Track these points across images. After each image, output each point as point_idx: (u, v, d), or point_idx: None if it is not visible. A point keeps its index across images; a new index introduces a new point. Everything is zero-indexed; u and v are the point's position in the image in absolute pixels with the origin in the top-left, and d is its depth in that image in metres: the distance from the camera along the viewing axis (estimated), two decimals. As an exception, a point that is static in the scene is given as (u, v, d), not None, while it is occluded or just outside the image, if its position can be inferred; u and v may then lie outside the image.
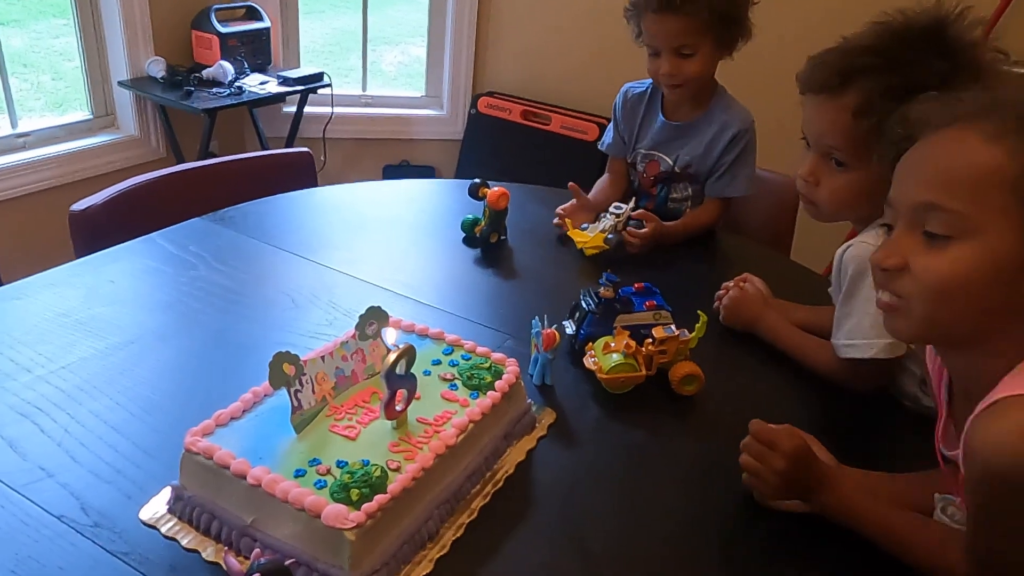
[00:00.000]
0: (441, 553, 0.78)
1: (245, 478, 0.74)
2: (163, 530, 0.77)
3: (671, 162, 1.59)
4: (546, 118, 3.04)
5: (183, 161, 2.79)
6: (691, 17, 1.42)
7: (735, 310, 1.22)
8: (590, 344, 1.09)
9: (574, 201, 1.53)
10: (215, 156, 2.78)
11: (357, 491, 0.72)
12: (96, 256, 1.28)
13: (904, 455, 0.99)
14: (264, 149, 2.95)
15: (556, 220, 1.51)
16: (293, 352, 0.83)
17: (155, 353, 1.06)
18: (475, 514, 0.83)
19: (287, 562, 0.67)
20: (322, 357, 0.86)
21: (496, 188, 1.42)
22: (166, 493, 0.81)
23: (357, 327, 0.90)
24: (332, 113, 2.98)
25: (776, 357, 1.17)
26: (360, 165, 3.21)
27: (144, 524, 0.78)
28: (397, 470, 0.77)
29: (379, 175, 3.29)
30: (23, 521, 0.78)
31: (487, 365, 0.93)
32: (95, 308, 1.15)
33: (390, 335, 0.84)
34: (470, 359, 0.95)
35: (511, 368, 0.94)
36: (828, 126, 1.05)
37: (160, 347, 1.08)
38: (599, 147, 1.73)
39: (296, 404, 0.81)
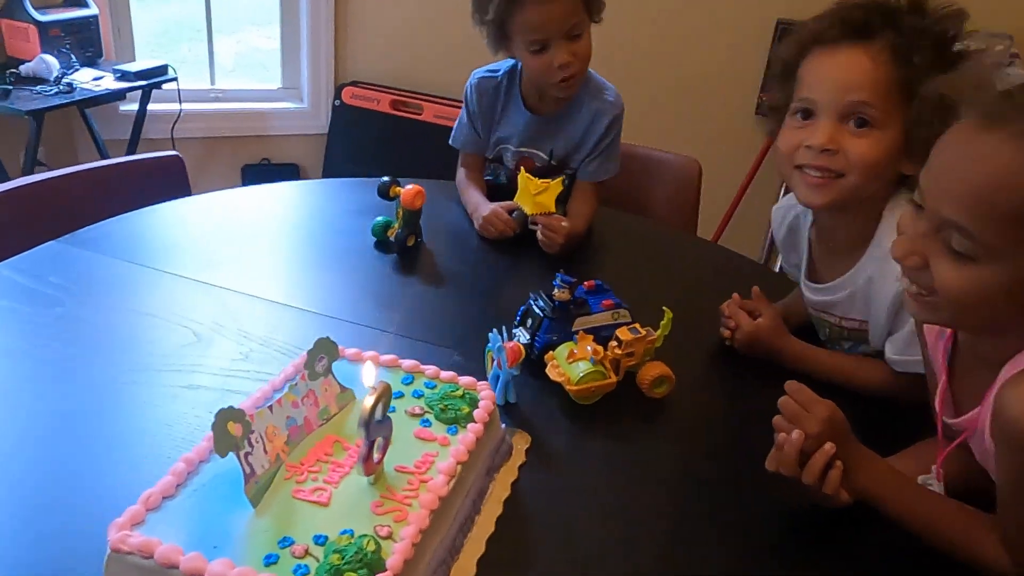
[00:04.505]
0: (449, 626, 0.66)
1: (202, 578, 0.58)
2: (90, 656, 0.60)
3: (546, 157, 1.50)
4: (417, 107, 2.90)
5: (3, 172, 2.40)
6: None
7: (751, 345, 1.09)
8: (550, 353, 1.00)
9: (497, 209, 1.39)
10: (44, 166, 2.43)
11: (353, 575, 0.58)
12: (-75, 299, 1.03)
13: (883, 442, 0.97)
14: (102, 155, 2.60)
15: (494, 229, 1.37)
16: (230, 405, 0.67)
17: (25, 417, 0.85)
18: (475, 569, 0.71)
19: None
20: (270, 408, 0.70)
21: (410, 186, 1.29)
22: (85, 605, 0.63)
23: (306, 365, 0.75)
24: (180, 110, 2.67)
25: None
26: (216, 167, 2.92)
27: (61, 652, 0.61)
28: (389, 537, 0.64)
29: (238, 176, 3.01)
30: None
31: (459, 393, 0.81)
32: (-64, 367, 0.91)
33: (368, 374, 0.70)
34: (435, 387, 0.83)
35: (485, 393, 0.82)
36: (861, 76, 0.94)
37: (32, 407, 0.87)
38: (450, 142, 1.59)
39: (248, 470, 0.66)
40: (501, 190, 1.51)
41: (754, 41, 2.46)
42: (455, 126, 1.58)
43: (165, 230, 1.31)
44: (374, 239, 1.33)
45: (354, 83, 2.95)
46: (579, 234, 1.38)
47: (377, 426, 0.68)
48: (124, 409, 0.88)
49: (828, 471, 0.78)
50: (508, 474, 0.84)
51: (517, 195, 1.28)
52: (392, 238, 1.31)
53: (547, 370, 0.98)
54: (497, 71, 1.52)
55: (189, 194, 1.49)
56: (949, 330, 0.82)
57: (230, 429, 0.65)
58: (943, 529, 0.77)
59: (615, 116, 1.46)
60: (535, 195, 1.26)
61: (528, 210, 1.27)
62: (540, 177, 1.33)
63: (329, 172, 3.01)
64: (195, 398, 0.90)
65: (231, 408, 0.65)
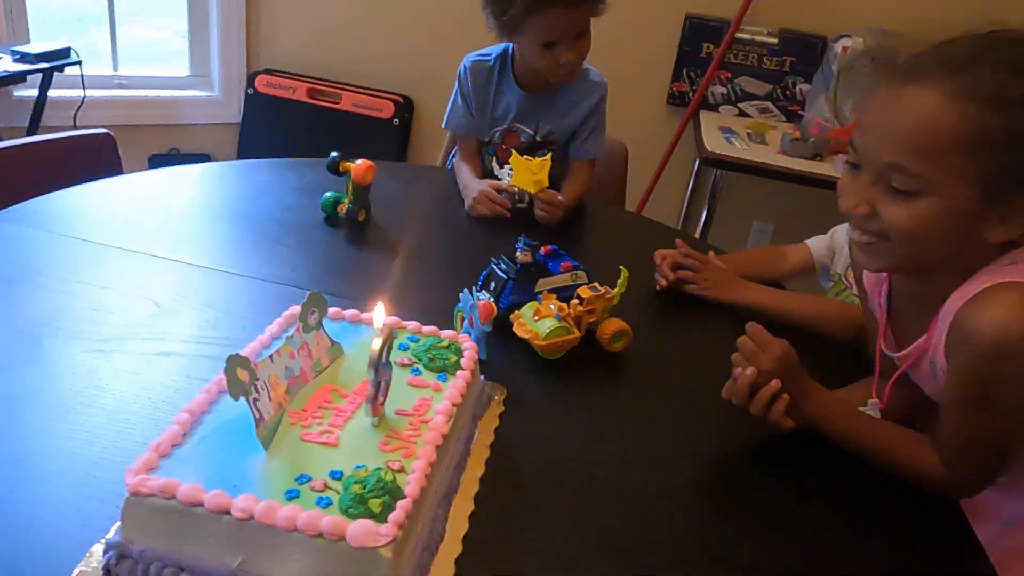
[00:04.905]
0: (458, 552, 0.69)
1: (229, 513, 0.60)
2: (110, 602, 0.60)
3: (532, 132, 1.57)
4: (335, 96, 2.87)
5: None
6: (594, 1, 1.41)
7: (718, 285, 1.21)
8: (516, 312, 1.05)
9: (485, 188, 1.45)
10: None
11: (378, 501, 0.61)
12: None
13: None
14: (-3, 142, 2.45)
15: (484, 208, 1.43)
16: (237, 352, 0.68)
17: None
18: (473, 504, 0.75)
19: (330, 599, 0.55)
20: (271, 357, 0.72)
21: (360, 162, 1.30)
22: (96, 553, 0.63)
23: (300, 318, 0.77)
24: (84, 97, 2.55)
25: (695, 301, 1.21)
26: (122, 156, 2.79)
27: (79, 600, 0.60)
28: (401, 471, 0.67)
29: (145, 167, 2.89)
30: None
31: (444, 344, 0.85)
32: None
33: (379, 315, 0.72)
34: (418, 340, 0.86)
35: (468, 345, 0.86)
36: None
37: (6, 388, 0.84)
38: (443, 126, 1.63)
39: (258, 415, 0.67)
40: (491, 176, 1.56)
41: (664, 36, 2.60)
42: (448, 110, 1.60)
43: (105, 206, 1.27)
44: (324, 215, 1.34)
45: (267, 71, 2.89)
46: (571, 208, 1.46)
47: (382, 369, 0.70)
48: (100, 377, 0.86)
49: (775, 402, 0.87)
50: (490, 421, 0.88)
51: (514, 177, 1.31)
52: (342, 213, 1.32)
53: (514, 328, 1.03)
54: (489, 55, 1.56)
55: (121, 173, 1.45)
56: (885, 278, 0.93)
57: (239, 375, 0.66)
58: (883, 447, 0.87)
59: (602, 95, 1.55)
60: (535, 175, 1.30)
61: (530, 190, 1.31)
62: (524, 152, 1.37)
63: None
64: (169, 364, 0.90)
65: (238, 355, 0.67)
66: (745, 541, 0.79)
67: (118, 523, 0.63)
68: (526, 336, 1.01)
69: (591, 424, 0.94)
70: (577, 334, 1.03)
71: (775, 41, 2.55)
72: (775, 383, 0.86)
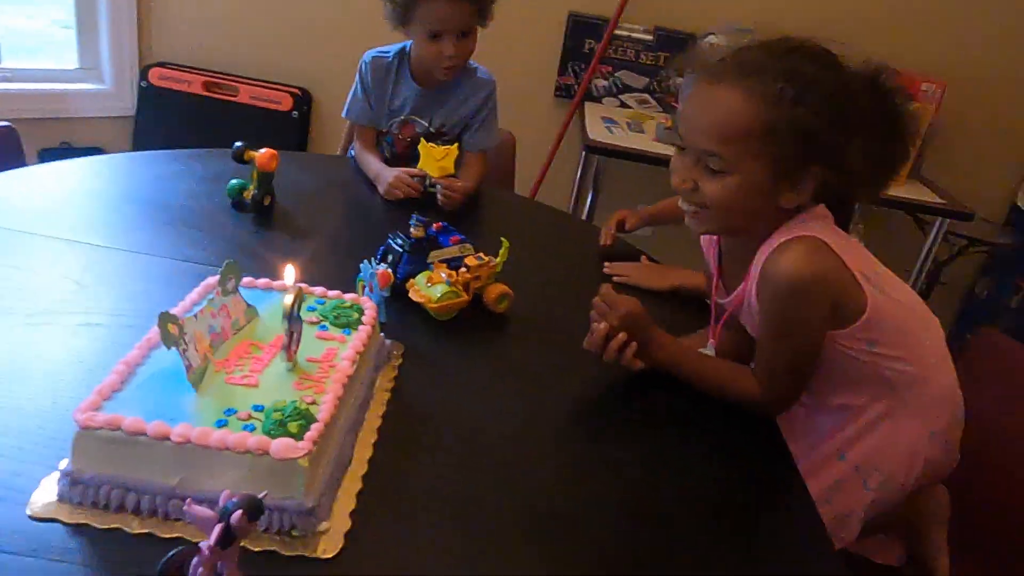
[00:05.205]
0: (364, 471, 0.83)
1: (168, 439, 0.71)
2: (66, 519, 0.71)
3: (426, 124, 1.71)
4: (233, 89, 2.91)
5: None
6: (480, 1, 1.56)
7: (650, 279, 1.39)
8: (411, 281, 1.19)
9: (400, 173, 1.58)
10: None
11: (295, 424, 0.74)
12: None
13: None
14: None
15: (400, 193, 1.56)
16: (166, 310, 0.80)
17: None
18: (376, 435, 0.89)
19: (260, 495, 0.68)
20: (196, 316, 0.83)
21: (264, 150, 1.41)
22: (50, 483, 0.74)
23: (219, 283, 0.88)
24: (-32, 90, 2.50)
25: (572, 270, 1.40)
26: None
27: (39, 519, 0.71)
28: (314, 403, 0.80)
29: (35, 161, 2.85)
30: None
31: (348, 304, 0.98)
32: None
33: (289, 274, 0.85)
34: (324, 303, 0.99)
35: (369, 305, 1.00)
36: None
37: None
38: (343, 115, 1.76)
39: (187, 363, 0.79)
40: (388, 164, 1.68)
41: (550, 33, 2.79)
42: (348, 101, 1.73)
43: (13, 196, 1.32)
44: (231, 200, 1.43)
45: (161, 64, 2.90)
46: (471, 193, 1.61)
47: (295, 321, 0.83)
48: (32, 346, 0.95)
49: (624, 350, 1.05)
50: (390, 372, 1.02)
51: (421, 162, 1.45)
52: (248, 199, 1.42)
53: (410, 294, 1.17)
54: (388, 52, 1.69)
55: (23, 164, 1.50)
56: (716, 239, 1.13)
57: (169, 328, 0.78)
58: (715, 379, 1.07)
59: (490, 91, 1.71)
60: (439, 160, 1.44)
61: (434, 174, 1.44)
62: (416, 145, 1.52)
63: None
64: (95, 334, 0.99)
65: (168, 312, 0.78)
66: (609, 461, 0.96)
67: (67, 459, 0.74)
68: (420, 300, 1.16)
69: (479, 372, 1.10)
70: (465, 297, 1.18)
71: (651, 38, 2.78)
72: (622, 336, 1.05)
